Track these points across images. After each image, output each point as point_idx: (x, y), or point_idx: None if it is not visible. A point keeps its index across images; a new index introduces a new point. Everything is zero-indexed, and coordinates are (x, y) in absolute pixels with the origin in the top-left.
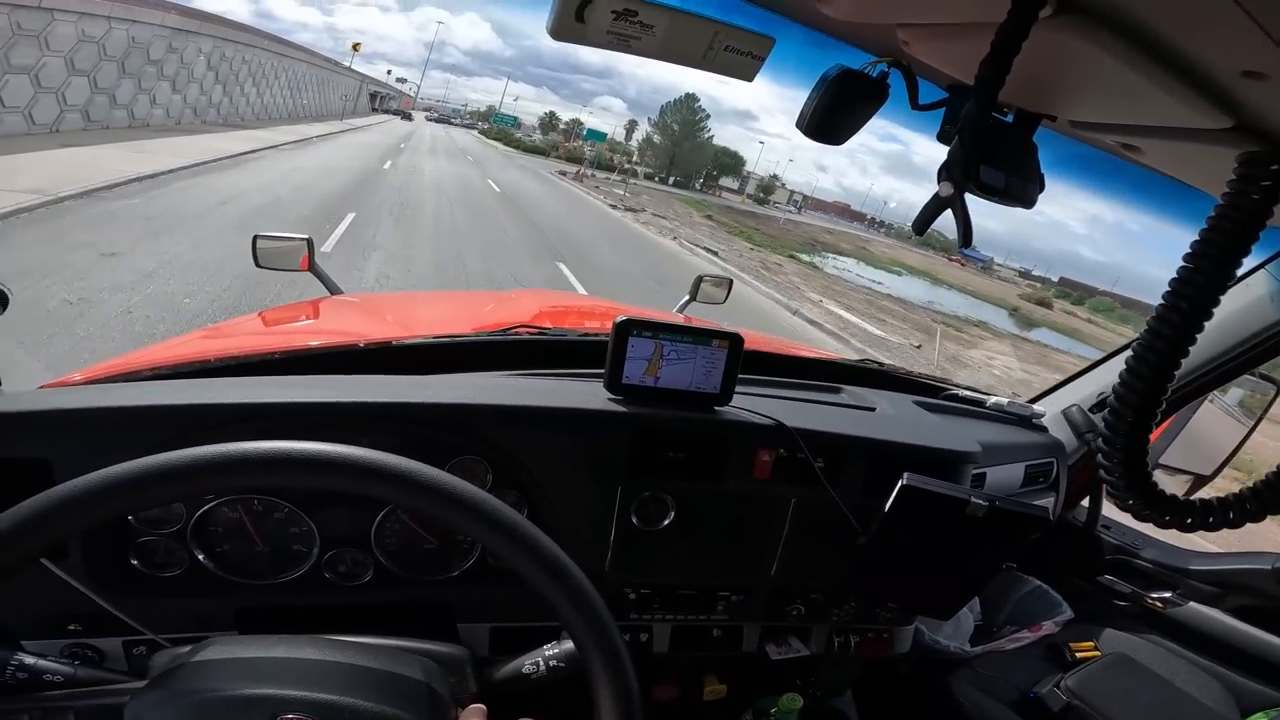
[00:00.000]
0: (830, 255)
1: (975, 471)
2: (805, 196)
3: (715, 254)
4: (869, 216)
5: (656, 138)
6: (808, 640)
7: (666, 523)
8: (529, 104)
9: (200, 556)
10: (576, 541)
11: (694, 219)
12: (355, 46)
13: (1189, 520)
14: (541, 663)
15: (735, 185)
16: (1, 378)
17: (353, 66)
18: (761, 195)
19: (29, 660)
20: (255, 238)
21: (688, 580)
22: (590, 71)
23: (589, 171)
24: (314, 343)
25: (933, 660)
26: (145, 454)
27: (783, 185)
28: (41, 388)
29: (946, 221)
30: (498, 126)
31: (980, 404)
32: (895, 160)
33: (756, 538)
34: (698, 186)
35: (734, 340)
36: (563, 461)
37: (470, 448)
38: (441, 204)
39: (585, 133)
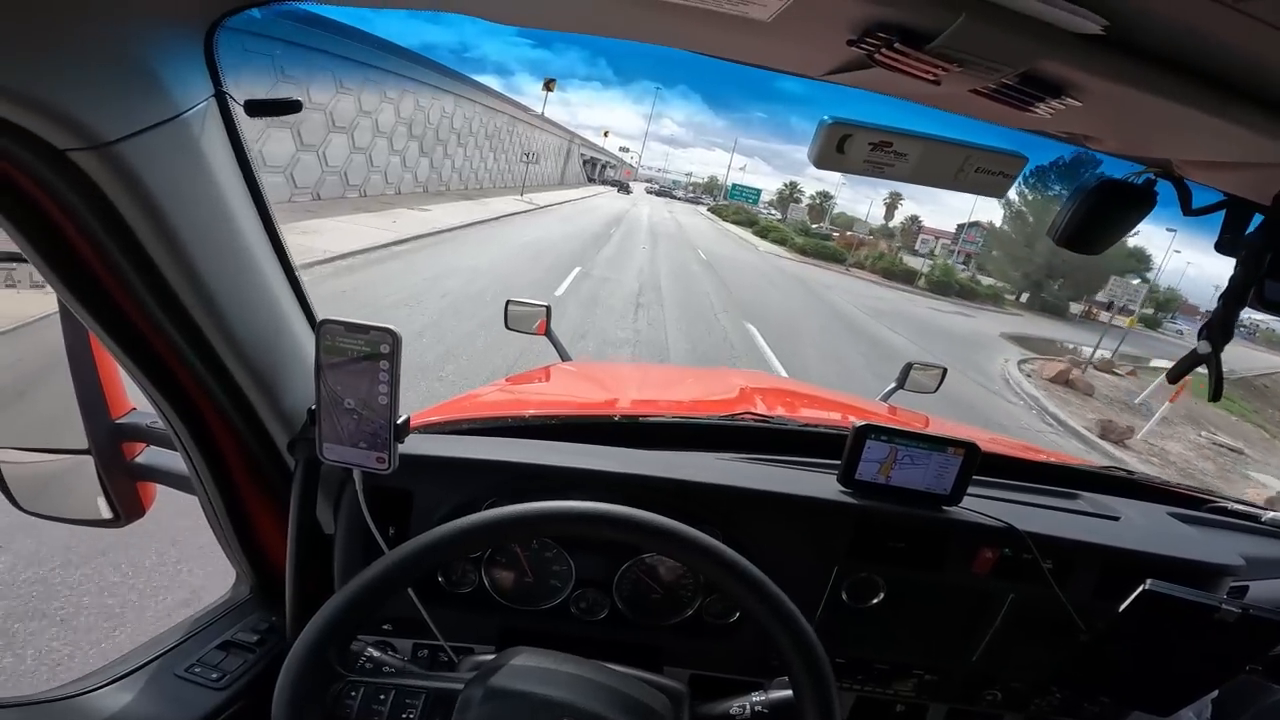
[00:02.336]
0: None
1: (1236, 584)
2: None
3: None
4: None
5: (1005, 227)
6: None
7: (875, 601)
8: (744, 176)
9: (486, 581)
10: None
11: None
12: (548, 85)
13: None
14: (748, 707)
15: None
16: None
17: (547, 115)
18: (1155, 314)
19: (375, 654)
20: (507, 302)
21: (883, 655)
22: (805, 140)
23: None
24: (578, 412)
25: None
26: (475, 496)
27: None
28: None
29: None
30: (736, 203)
31: (1254, 519)
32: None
33: (964, 624)
34: (1075, 311)
35: (970, 449)
36: (787, 540)
37: (710, 519)
38: None
39: None
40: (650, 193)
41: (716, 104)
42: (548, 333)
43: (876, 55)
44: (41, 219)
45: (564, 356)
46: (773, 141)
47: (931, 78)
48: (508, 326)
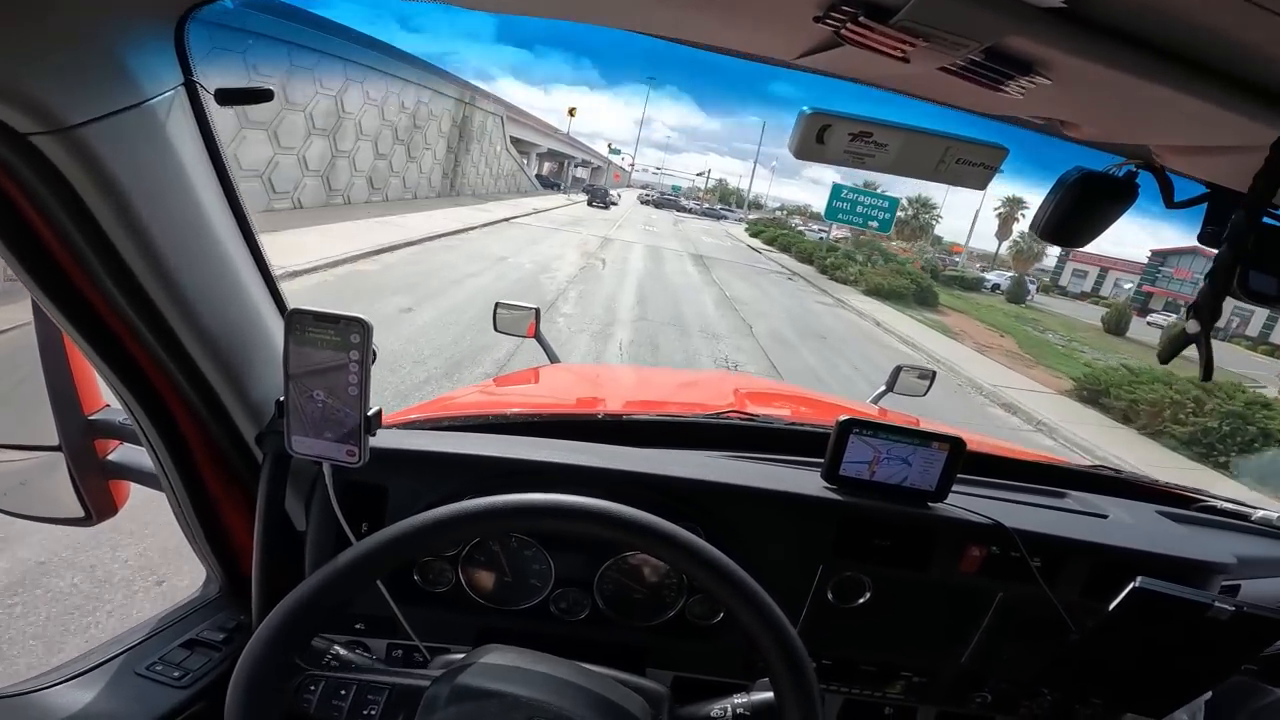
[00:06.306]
0: None
1: (1228, 583)
2: None
3: None
4: None
5: None
6: None
7: (861, 601)
8: (743, 183)
9: (463, 580)
10: None
11: None
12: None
13: None
14: (730, 709)
15: None
16: None
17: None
18: None
19: (342, 652)
20: (496, 305)
21: (871, 656)
22: None
23: None
24: (562, 410)
25: None
26: (452, 491)
27: None
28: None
29: None
30: (855, 228)
31: (1244, 517)
32: None
33: (952, 625)
34: None
35: (955, 443)
36: (771, 538)
37: (691, 515)
38: None
39: None
40: (646, 203)
41: (709, 106)
42: (537, 335)
43: (843, 31)
44: (5, 205)
45: (553, 358)
46: (768, 145)
47: (899, 53)
48: (496, 329)
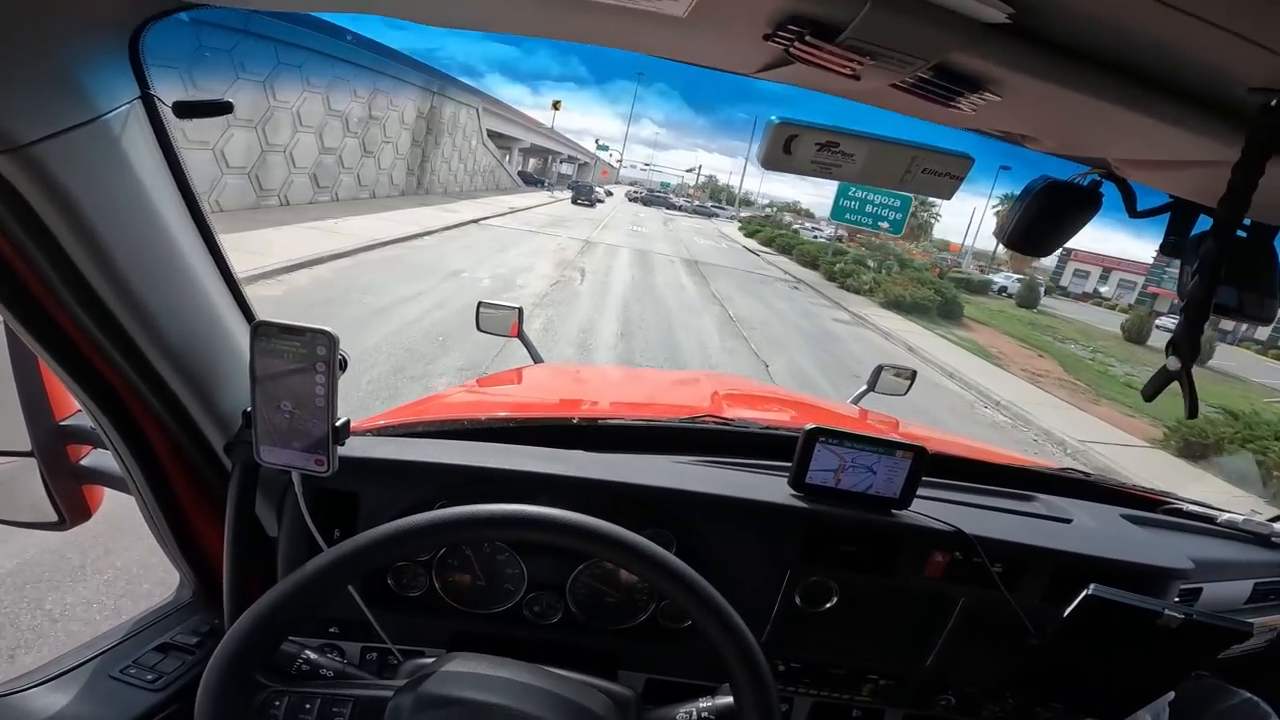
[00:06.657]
0: None
1: (1188, 587)
2: None
3: None
4: None
5: None
6: None
7: (828, 605)
8: (732, 179)
9: (436, 584)
10: (739, 612)
11: None
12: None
13: None
14: (695, 713)
15: None
16: None
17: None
18: None
19: (312, 656)
20: (479, 304)
21: (839, 660)
22: None
23: None
24: (537, 415)
25: None
26: (423, 499)
27: None
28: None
29: None
30: (852, 227)
31: (1209, 520)
32: None
33: (917, 628)
34: None
35: (919, 452)
36: (740, 543)
37: (662, 522)
38: None
39: None
40: (635, 200)
41: (697, 103)
42: (520, 335)
43: (792, 49)
44: None
45: (536, 358)
46: (758, 143)
47: (849, 72)
48: (479, 328)
